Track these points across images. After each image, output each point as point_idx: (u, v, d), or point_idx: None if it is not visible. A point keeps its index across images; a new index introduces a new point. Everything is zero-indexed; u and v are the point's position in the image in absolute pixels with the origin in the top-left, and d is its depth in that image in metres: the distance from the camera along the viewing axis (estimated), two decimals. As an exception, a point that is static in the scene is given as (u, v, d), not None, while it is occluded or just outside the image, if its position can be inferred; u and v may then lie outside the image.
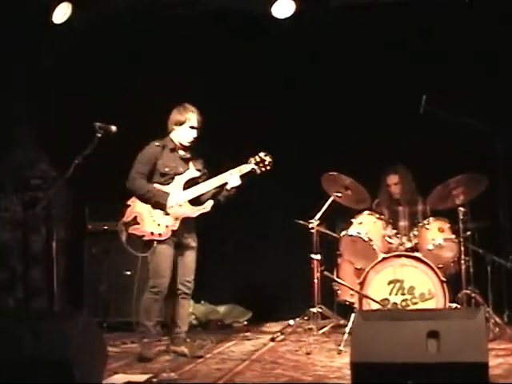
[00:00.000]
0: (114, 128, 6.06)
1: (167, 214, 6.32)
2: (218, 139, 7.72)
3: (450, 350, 4.30)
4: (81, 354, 4.51)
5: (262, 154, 6.41)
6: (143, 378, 5.25)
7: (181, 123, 6.42)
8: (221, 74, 8.67)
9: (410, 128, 8.21)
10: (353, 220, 7.24)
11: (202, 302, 8.52)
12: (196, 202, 6.41)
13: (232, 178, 6.35)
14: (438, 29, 8.26)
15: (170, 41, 8.71)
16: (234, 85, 8.61)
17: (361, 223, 7.18)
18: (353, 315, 6.00)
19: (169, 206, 6.30)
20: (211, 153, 6.77)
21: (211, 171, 6.55)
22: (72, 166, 5.82)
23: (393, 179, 7.74)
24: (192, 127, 6.41)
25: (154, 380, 5.17)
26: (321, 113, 8.68)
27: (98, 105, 8.30)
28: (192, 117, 6.40)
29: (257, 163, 6.39)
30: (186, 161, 6.51)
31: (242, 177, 6.38)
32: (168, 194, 6.32)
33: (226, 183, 6.37)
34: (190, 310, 7.72)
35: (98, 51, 8.67)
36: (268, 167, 6.41)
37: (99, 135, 5.97)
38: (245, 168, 6.40)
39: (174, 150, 6.47)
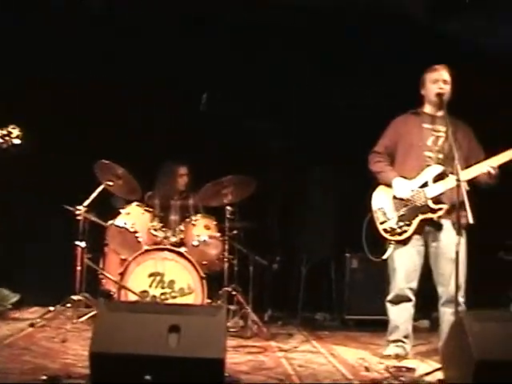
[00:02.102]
0: None
1: None
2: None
3: (189, 345, 4.39)
4: None
5: (9, 127, 5.85)
6: None
7: None
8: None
9: (191, 124, 8.31)
10: (121, 210, 7.27)
11: (-34, 283, 8.26)
12: None
13: None
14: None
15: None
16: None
17: (128, 214, 7.22)
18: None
19: None
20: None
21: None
22: None
23: (183, 170, 7.89)
24: None
25: None
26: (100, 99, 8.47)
27: None
28: None
29: (2, 136, 5.82)
30: None
31: None
32: None
33: None
34: None
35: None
36: (15, 141, 5.82)
37: None
38: None
39: None
